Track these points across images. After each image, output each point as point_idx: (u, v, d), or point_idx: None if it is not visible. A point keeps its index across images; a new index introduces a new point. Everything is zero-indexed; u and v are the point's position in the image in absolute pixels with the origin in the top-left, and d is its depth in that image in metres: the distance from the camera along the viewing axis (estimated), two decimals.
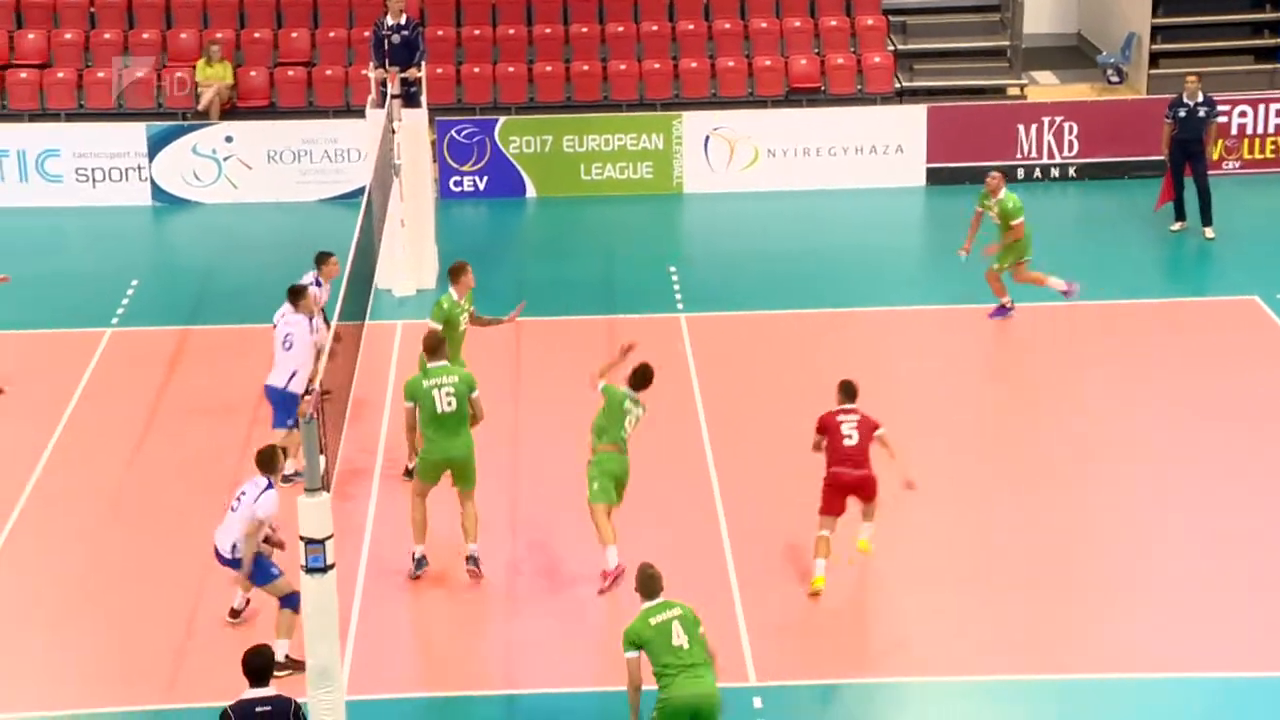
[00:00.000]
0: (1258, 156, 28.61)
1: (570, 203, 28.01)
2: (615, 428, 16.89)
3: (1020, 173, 28.23)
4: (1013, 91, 29.70)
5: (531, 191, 28.27)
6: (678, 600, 14.16)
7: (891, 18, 30.36)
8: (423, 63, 24.84)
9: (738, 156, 28.25)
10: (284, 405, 18.70)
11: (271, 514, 15.86)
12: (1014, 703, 15.72)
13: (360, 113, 26.23)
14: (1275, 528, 18.18)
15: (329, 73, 29.05)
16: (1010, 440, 20.20)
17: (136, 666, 16.17)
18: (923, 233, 27.45)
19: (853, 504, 17.12)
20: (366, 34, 26.24)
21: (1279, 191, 28.06)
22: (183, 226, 27.57)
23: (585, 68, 29.23)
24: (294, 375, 18.73)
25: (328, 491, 13.71)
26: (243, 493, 15.93)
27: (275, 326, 19.05)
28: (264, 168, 27.95)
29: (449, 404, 17.01)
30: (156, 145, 27.81)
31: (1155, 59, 30.13)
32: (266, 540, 16.07)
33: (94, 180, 27.90)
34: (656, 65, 29.19)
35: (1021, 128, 28.30)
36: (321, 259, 20.04)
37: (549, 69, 29.19)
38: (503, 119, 28.25)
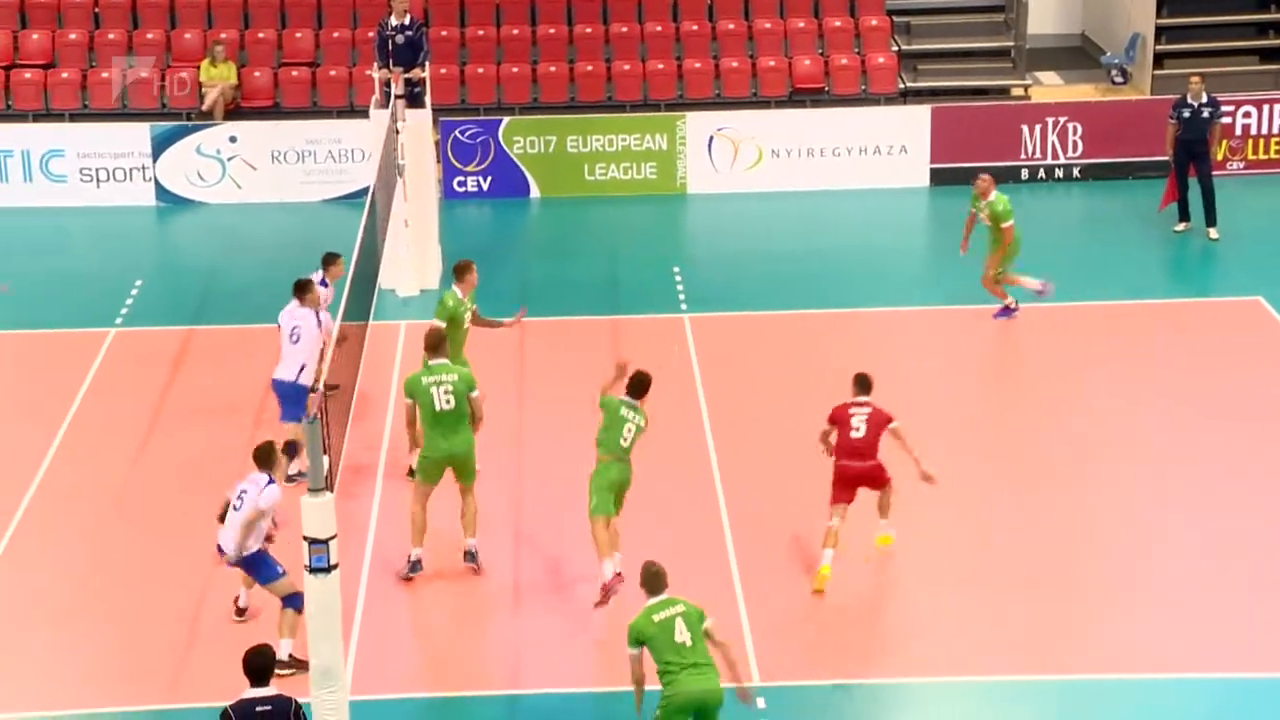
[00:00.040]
0: (1262, 157, 28.58)
1: (574, 203, 28.00)
2: (613, 437, 16.82)
3: (1024, 173, 28.24)
4: (1017, 92, 29.67)
5: (535, 192, 28.25)
6: (682, 597, 14.16)
7: (896, 18, 30.34)
8: (427, 63, 24.87)
9: (742, 157, 28.23)
10: (294, 398, 18.63)
11: (274, 503, 15.88)
12: (1014, 703, 15.72)
13: (364, 113, 26.22)
14: (1276, 528, 18.17)
15: (333, 73, 29.06)
16: (1012, 440, 20.21)
17: (139, 666, 16.19)
18: (926, 233, 27.41)
19: (869, 502, 17.19)
20: (370, 34, 26.28)
21: None
22: (187, 226, 27.57)
23: (589, 68, 29.22)
24: (303, 368, 18.71)
25: (331, 492, 13.74)
26: (244, 491, 15.96)
27: (280, 326, 19.06)
28: (268, 168, 27.94)
29: (447, 402, 17.01)
30: (161, 145, 27.81)
31: (1159, 59, 30.07)
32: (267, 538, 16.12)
33: (98, 180, 27.90)
34: (660, 66, 29.18)
35: (1026, 128, 28.27)
36: (329, 260, 20.04)
37: (553, 69, 29.19)
38: (507, 119, 28.25)
